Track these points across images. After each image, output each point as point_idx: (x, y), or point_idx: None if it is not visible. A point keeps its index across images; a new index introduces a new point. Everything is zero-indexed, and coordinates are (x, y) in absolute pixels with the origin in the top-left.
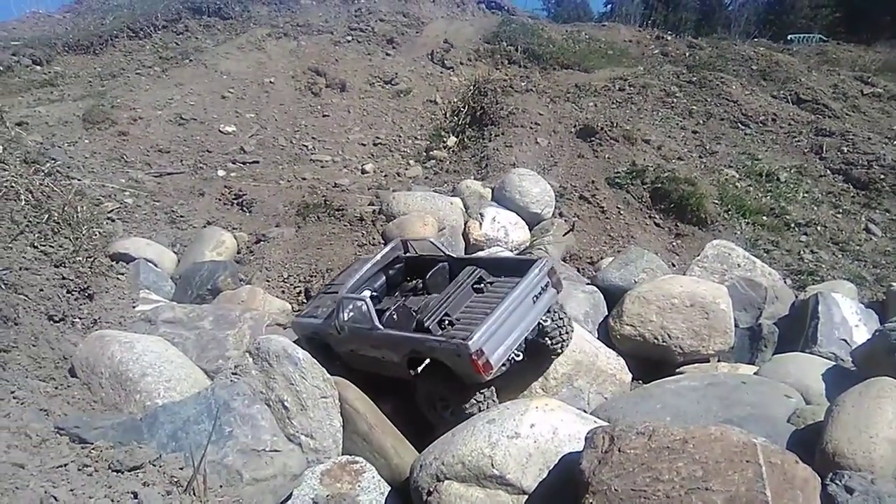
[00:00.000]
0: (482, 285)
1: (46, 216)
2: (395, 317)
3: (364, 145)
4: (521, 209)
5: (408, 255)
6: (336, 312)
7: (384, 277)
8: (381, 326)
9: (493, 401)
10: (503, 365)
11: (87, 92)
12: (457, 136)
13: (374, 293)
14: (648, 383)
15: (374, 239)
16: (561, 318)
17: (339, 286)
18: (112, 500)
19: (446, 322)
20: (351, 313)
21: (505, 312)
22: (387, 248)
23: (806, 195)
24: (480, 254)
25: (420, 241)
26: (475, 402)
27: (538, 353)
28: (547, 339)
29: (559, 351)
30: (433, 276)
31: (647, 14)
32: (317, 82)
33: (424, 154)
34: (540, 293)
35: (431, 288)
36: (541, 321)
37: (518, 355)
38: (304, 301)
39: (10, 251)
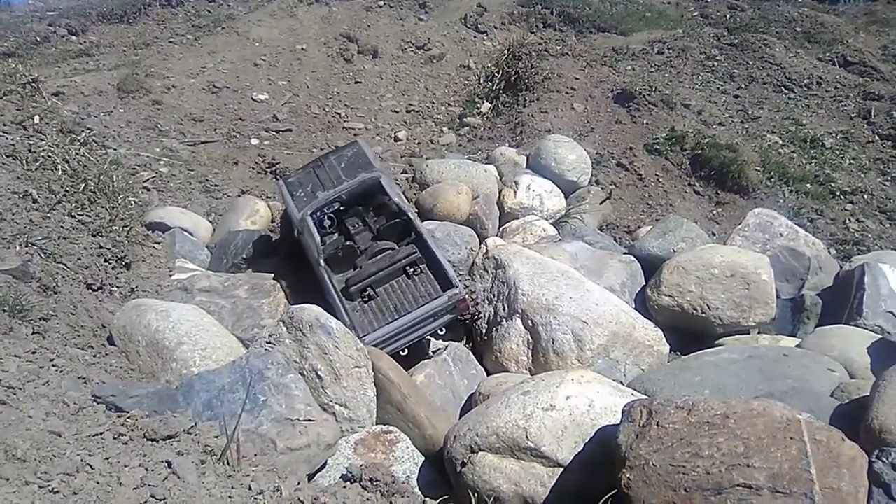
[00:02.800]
0: (413, 271)
1: (83, 185)
2: (339, 254)
3: (397, 112)
4: (556, 177)
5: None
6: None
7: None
8: (322, 262)
9: None
10: None
11: (122, 61)
12: (491, 103)
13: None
14: (687, 355)
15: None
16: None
17: (323, 182)
18: (146, 469)
19: (366, 296)
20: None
21: (403, 325)
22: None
23: (852, 162)
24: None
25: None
26: None
27: None
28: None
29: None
30: (389, 228)
31: None
32: (349, 49)
33: (458, 121)
34: (440, 315)
35: (381, 235)
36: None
37: (404, 351)
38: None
39: (49, 220)
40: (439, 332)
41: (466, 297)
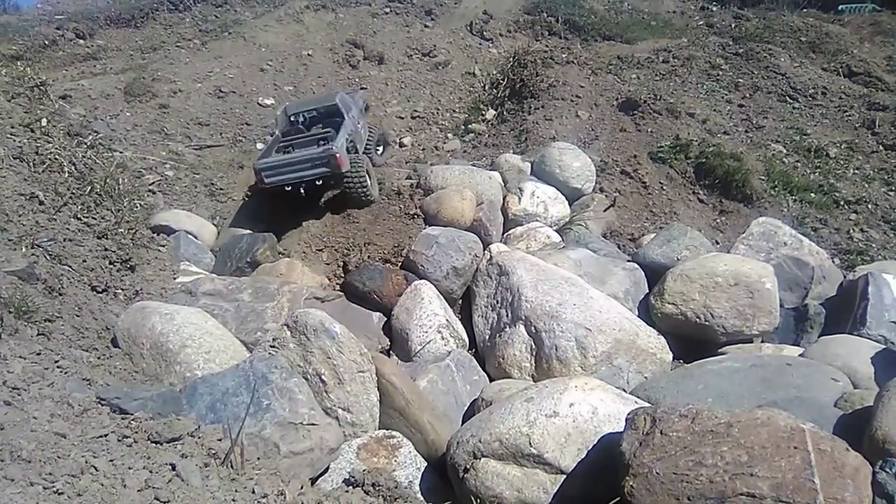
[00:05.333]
0: (323, 142)
1: (89, 188)
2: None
3: (402, 118)
4: (560, 184)
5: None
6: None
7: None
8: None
9: None
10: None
11: (129, 65)
12: (496, 109)
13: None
14: (690, 363)
15: (411, 212)
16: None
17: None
18: (150, 472)
19: (285, 150)
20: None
21: (287, 160)
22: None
23: (856, 172)
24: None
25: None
26: None
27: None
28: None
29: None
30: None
31: None
32: (355, 55)
33: (463, 127)
34: (316, 164)
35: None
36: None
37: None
38: (344, 274)
39: (55, 222)
40: (316, 181)
41: (339, 155)
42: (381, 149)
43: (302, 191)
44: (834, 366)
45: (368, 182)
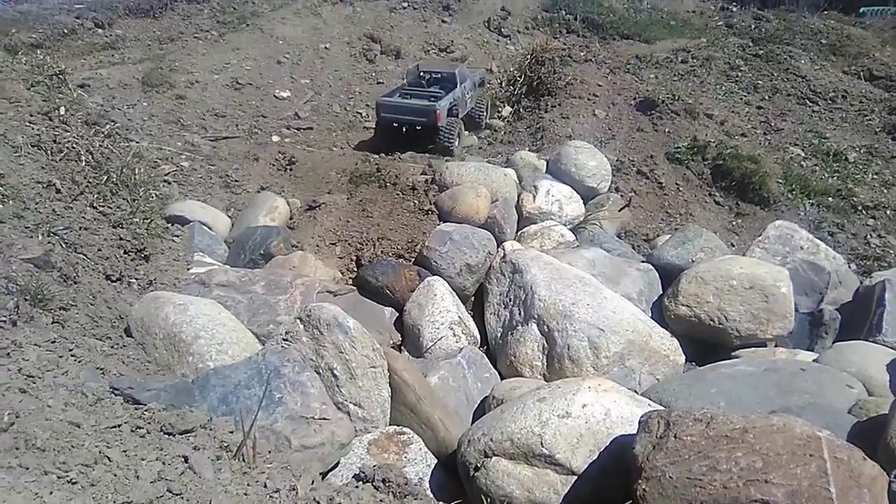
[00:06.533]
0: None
1: (105, 177)
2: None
3: None
4: (576, 182)
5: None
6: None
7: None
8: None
9: None
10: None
11: (147, 55)
12: (512, 106)
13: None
14: (703, 366)
15: (426, 208)
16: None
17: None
18: (163, 463)
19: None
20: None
21: (399, 104)
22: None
23: (875, 177)
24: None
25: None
26: None
27: None
28: None
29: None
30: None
31: None
32: (372, 49)
33: None
34: (420, 115)
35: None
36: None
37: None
38: (357, 268)
39: (71, 211)
40: (416, 126)
41: (439, 112)
42: (485, 115)
43: (404, 129)
44: (848, 372)
45: (455, 141)
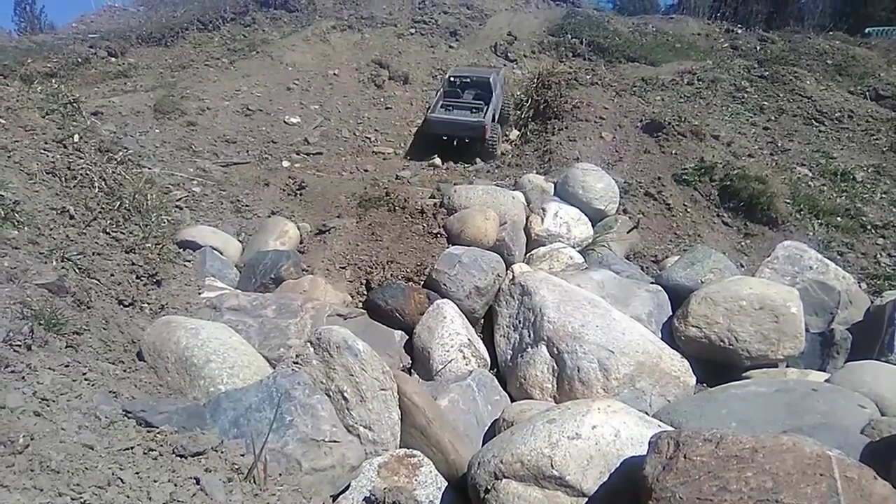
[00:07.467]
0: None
1: (118, 203)
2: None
3: None
4: (584, 205)
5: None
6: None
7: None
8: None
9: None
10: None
11: (159, 83)
12: (519, 130)
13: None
14: (713, 387)
15: (434, 231)
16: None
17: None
18: (175, 485)
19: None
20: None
21: (448, 118)
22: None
23: (884, 196)
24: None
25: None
26: None
27: None
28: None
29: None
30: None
31: (716, 6)
32: (380, 74)
33: None
34: (467, 129)
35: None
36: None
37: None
38: (367, 291)
39: (84, 237)
40: (465, 140)
41: (487, 126)
42: (499, 145)
43: (455, 142)
44: (860, 392)
45: (499, 147)
